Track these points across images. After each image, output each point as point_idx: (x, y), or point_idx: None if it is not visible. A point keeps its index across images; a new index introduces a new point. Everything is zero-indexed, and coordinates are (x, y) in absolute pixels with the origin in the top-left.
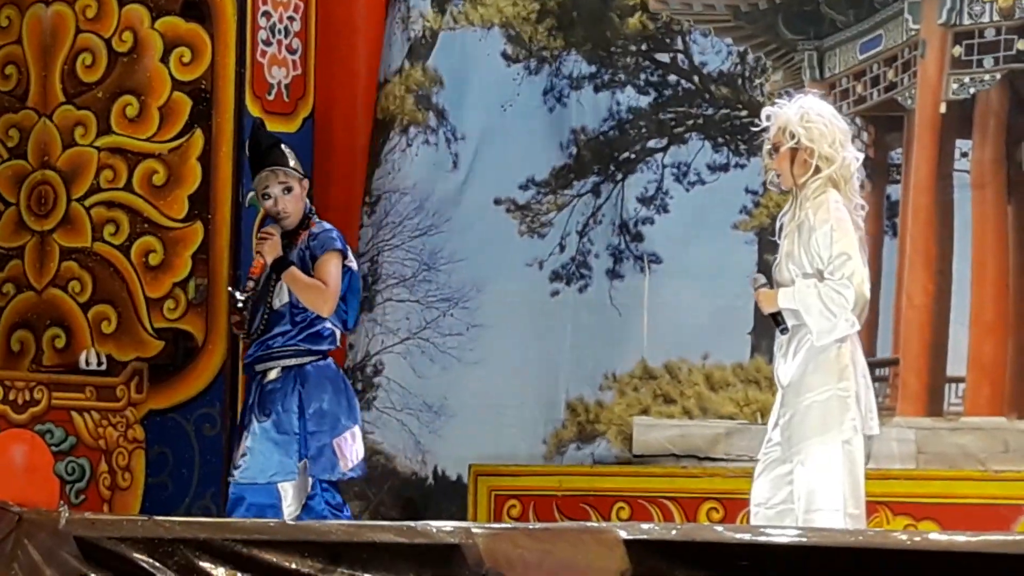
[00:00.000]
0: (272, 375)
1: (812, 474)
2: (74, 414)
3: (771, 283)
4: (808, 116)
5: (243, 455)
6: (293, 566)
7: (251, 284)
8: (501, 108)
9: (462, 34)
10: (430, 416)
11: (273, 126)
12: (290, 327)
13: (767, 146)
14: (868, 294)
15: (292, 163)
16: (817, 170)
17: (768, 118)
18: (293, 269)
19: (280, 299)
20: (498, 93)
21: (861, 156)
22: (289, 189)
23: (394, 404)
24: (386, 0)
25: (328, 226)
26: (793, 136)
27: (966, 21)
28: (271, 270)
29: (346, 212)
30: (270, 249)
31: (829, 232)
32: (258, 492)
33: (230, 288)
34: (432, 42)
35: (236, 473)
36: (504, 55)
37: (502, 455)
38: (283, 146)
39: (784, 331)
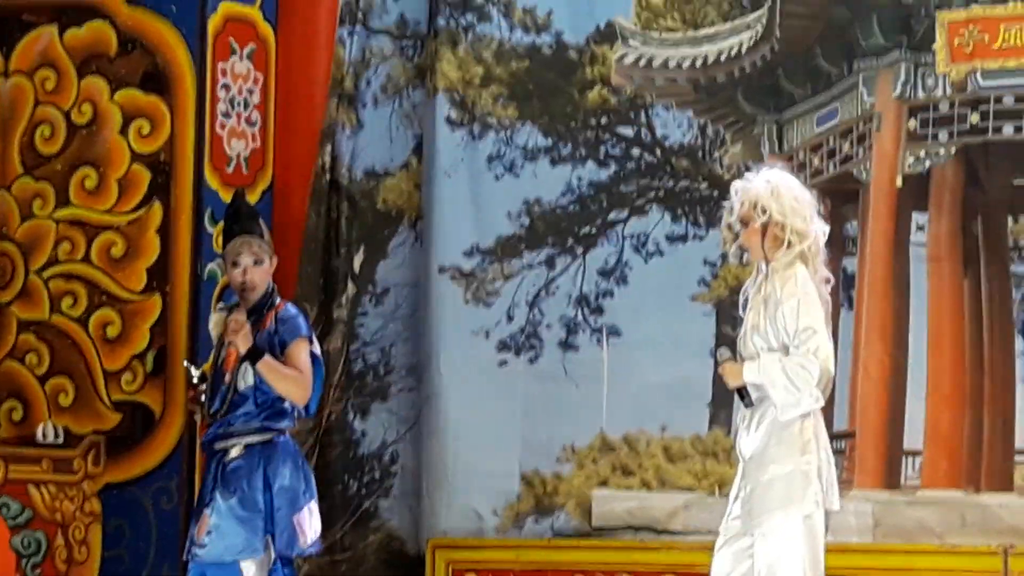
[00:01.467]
0: (234, 452)
1: (773, 547)
2: (31, 487)
3: (735, 356)
4: (778, 191)
5: (208, 532)
6: None
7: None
8: (446, 175)
9: (422, 107)
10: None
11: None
12: (253, 407)
13: (730, 218)
14: (833, 369)
15: (266, 237)
16: (789, 245)
17: (736, 192)
18: (268, 359)
19: (245, 381)
20: (443, 159)
21: (827, 229)
22: (260, 262)
23: (404, 490)
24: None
25: (294, 311)
26: (765, 211)
27: (920, 95)
28: (244, 359)
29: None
30: (243, 339)
31: (796, 306)
32: (221, 570)
33: (186, 363)
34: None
35: (200, 552)
36: (448, 120)
37: (458, 528)
38: (260, 220)
39: (748, 404)
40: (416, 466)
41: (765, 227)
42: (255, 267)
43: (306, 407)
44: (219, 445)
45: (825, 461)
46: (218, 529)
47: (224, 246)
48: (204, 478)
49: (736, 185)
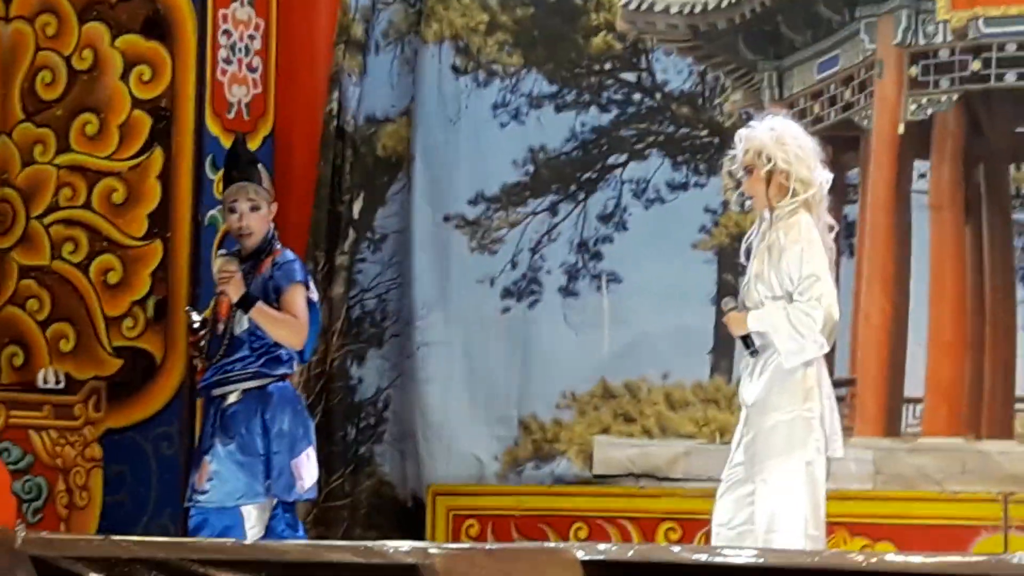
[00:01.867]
0: (232, 398)
1: (774, 495)
2: (31, 433)
3: (740, 306)
4: (783, 139)
5: (209, 479)
6: None
7: (200, 319)
8: (450, 122)
9: (420, 53)
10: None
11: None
12: (248, 352)
13: (732, 166)
14: (837, 316)
15: (265, 183)
16: (794, 193)
17: (740, 139)
18: (260, 305)
19: (240, 326)
20: (447, 106)
21: (831, 176)
22: (256, 208)
23: (394, 436)
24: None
25: (291, 256)
26: (770, 159)
27: (921, 41)
28: (236, 306)
29: (305, 231)
30: (234, 288)
31: (800, 253)
32: (223, 515)
33: (188, 309)
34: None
35: (202, 497)
36: (454, 68)
37: (458, 475)
38: (260, 165)
39: (754, 353)
40: (408, 413)
41: (770, 175)
42: (252, 213)
43: (300, 352)
44: (217, 391)
45: (828, 408)
46: (218, 475)
47: (223, 192)
48: (203, 424)
49: (740, 133)
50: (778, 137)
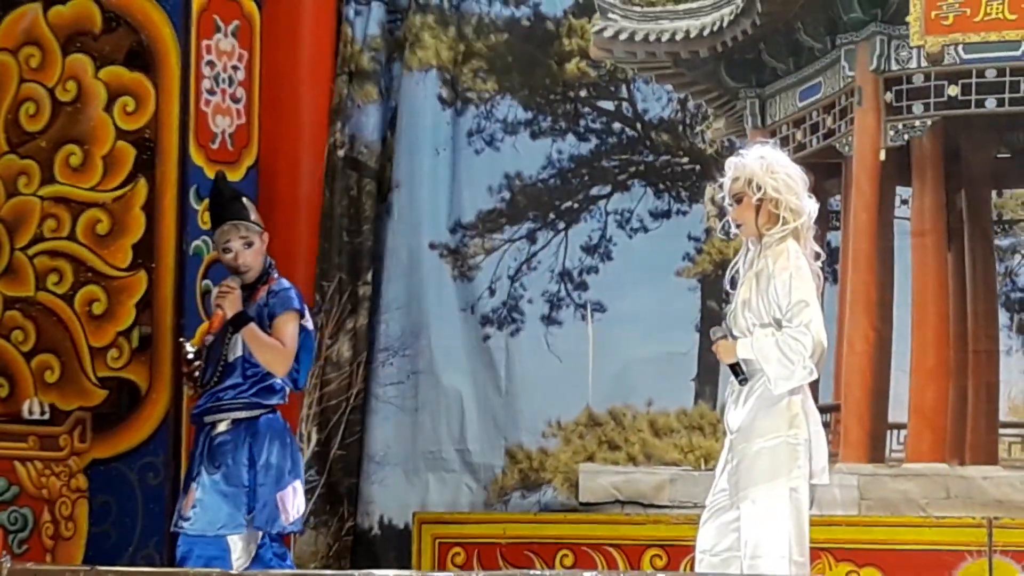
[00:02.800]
0: (222, 427)
1: (758, 520)
2: (17, 464)
3: (729, 334)
4: (773, 167)
5: (193, 507)
6: None
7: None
8: (436, 152)
9: (404, 80)
10: (373, 466)
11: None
12: (241, 380)
13: (720, 194)
14: (826, 342)
15: (253, 217)
16: (784, 221)
17: (730, 168)
18: (252, 326)
19: (234, 352)
20: (433, 137)
21: (817, 205)
22: (250, 244)
23: (380, 462)
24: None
25: (287, 284)
26: (760, 188)
27: (894, 67)
28: (229, 324)
29: (289, 261)
30: (231, 304)
31: (788, 280)
32: (207, 544)
33: (181, 339)
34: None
35: (185, 525)
36: (440, 99)
37: (444, 503)
38: (244, 199)
39: (743, 382)
40: (405, 440)
41: (760, 203)
42: (246, 250)
43: (294, 380)
44: (208, 419)
45: (815, 435)
46: (202, 503)
47: (212, 231)
48: (192, 452)
49: (730, 161)
50: (768, 166)
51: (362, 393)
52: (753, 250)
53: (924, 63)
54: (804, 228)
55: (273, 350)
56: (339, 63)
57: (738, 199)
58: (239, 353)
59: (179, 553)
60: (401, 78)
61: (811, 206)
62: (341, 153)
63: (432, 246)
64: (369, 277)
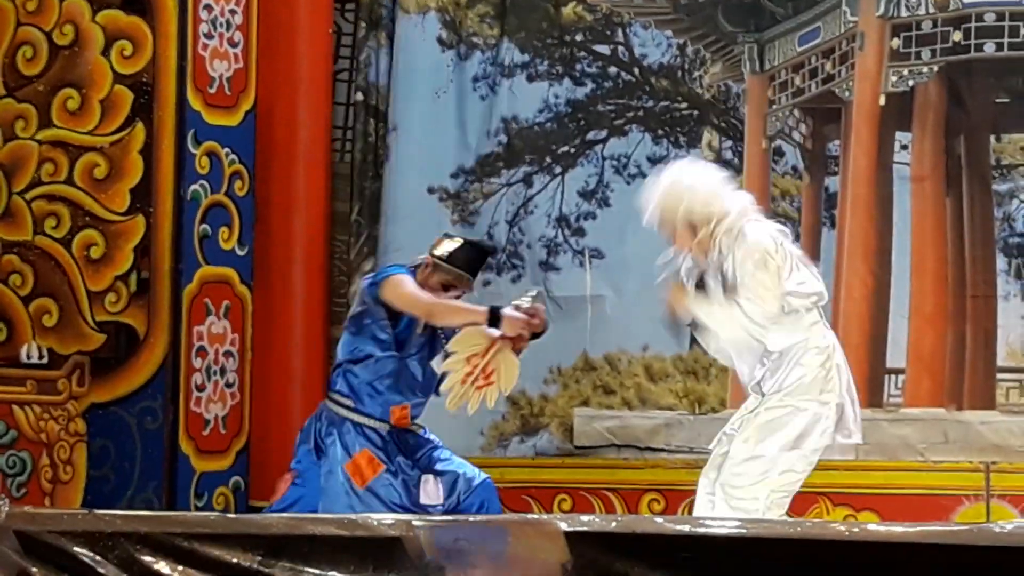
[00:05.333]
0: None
1: (778, 409)
2: (15, 407)
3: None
4: (677, 193)
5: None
6: (234, 560)
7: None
8: (435, 95)
9: (402, 22)
10: None
11: (214, 119)
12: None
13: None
14: (820, 288)
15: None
16: (717, 225)
17: (644, 212)
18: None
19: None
20: (432, 80)
21: (747, 195)
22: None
23: None
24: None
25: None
26: (672, 223)
27: (903, 13)
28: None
29: (289, 206)
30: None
31: (749, 265)
32: None
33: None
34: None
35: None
36: (440, 40)
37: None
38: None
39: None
40: None
41: (689, 226)
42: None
43: None
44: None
45: (848, 400)
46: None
47: (464, 270)
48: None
49: (642, 205)
50: (672, 194)
51: None
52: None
53: (931, 9)
54: (749, 214)
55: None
56: (357, 9)
57: (671, 236)
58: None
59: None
60: (399, 19)
61: (736, 199)
62: (358, 97)
63: (431, 190)
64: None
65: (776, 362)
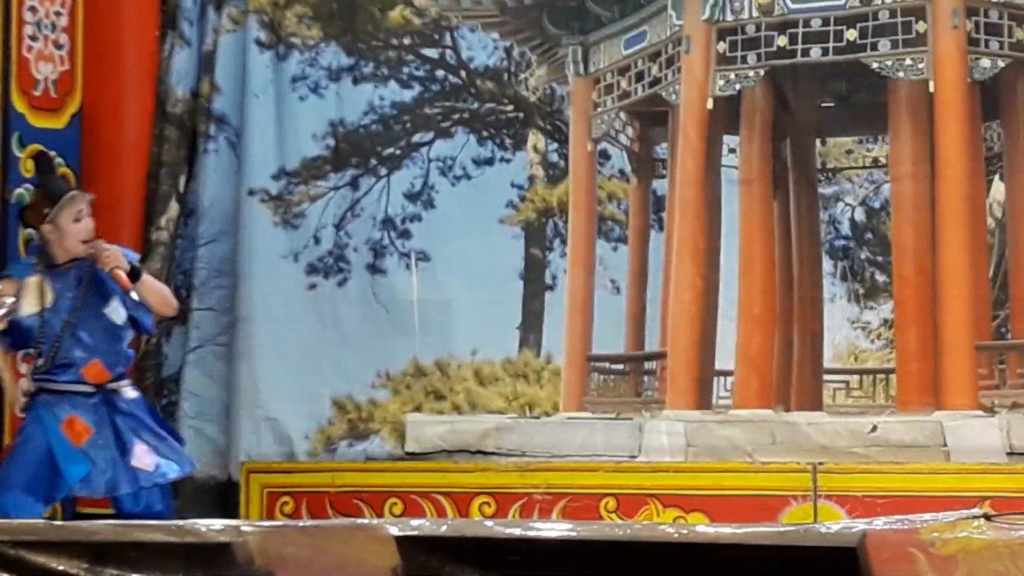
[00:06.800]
0: (132, 393)
1: None
2: None
3: None
4: None
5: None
6: (60, 567)
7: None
8: (254, 96)
9: (221, 23)
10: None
11: (40, 122)
12: (126, 347)
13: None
14: None
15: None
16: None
17: None
18: (145, 275)
19: (119, 315)
20: (251, 80)
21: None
22: (90, 214)
23: (187, 412)
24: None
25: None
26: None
27: (728, 17)
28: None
29: (114, 209)
30: (117, 259)
31: None
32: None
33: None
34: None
35: (172, 471)
36: (258, 42)
37: (271, 453)
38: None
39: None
40: (218, 390)
41: None
42: (90, 219)
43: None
44: (111, 386)
45: None
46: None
47: (45, 207)
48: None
49: None
50: None
51: (152, 339)
52: None
53: (756, 13)
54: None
55: (162, 289)
56: (162, 6)
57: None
58: (124, 317)
59: (162, 507)
60: (218, 21)
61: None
62: (173, 98)
63: (251, 192)
64: (163, 222)
65: None
